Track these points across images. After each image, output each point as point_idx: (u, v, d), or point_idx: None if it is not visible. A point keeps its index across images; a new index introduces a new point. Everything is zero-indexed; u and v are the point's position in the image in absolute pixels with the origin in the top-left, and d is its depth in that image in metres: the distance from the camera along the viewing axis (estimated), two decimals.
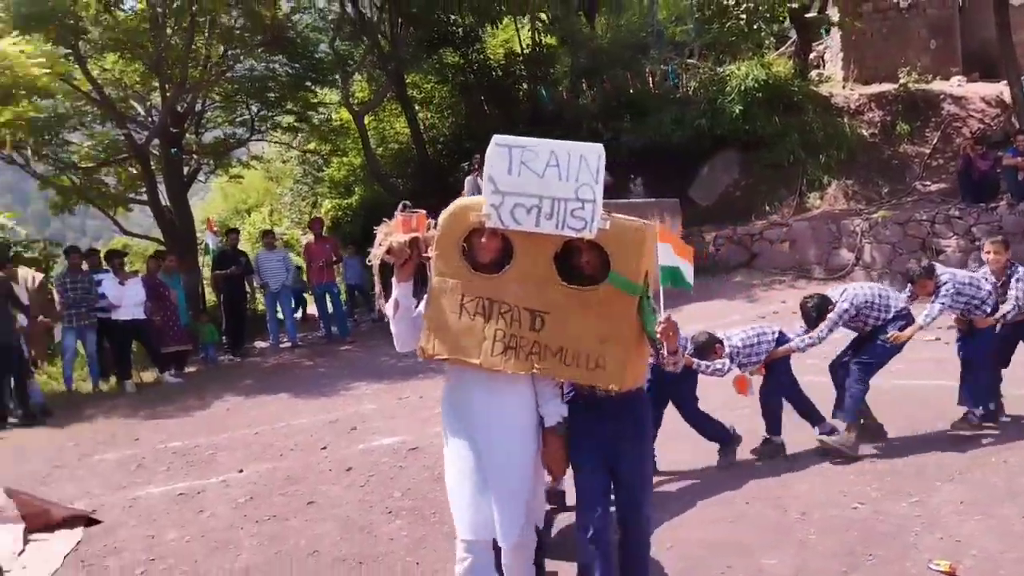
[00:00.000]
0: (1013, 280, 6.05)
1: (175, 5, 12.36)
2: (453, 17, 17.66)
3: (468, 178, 13.00)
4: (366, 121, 18.13)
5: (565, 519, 4.88)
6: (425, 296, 3.50)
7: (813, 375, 6.30)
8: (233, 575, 4.64)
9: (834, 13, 16.32)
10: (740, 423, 6.07)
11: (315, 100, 16.70)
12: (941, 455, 5.71)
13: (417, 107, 18.94)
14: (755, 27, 15.00)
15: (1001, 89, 14.23)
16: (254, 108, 15.82)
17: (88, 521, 5.50)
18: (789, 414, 6.06)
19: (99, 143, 15.38)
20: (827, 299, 6.02)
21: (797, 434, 6.01)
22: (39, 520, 5.32)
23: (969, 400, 6.12)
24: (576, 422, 3.54)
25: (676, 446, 5.94)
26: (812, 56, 17.56)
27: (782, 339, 5.98)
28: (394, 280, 3.46)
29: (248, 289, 12.95)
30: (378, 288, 3.65)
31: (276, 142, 18.60)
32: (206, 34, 13.51)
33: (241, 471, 6.49)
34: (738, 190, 15.52)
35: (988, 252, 6.22)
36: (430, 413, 7.35)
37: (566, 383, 3.57)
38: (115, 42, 12.97)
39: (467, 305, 3.38)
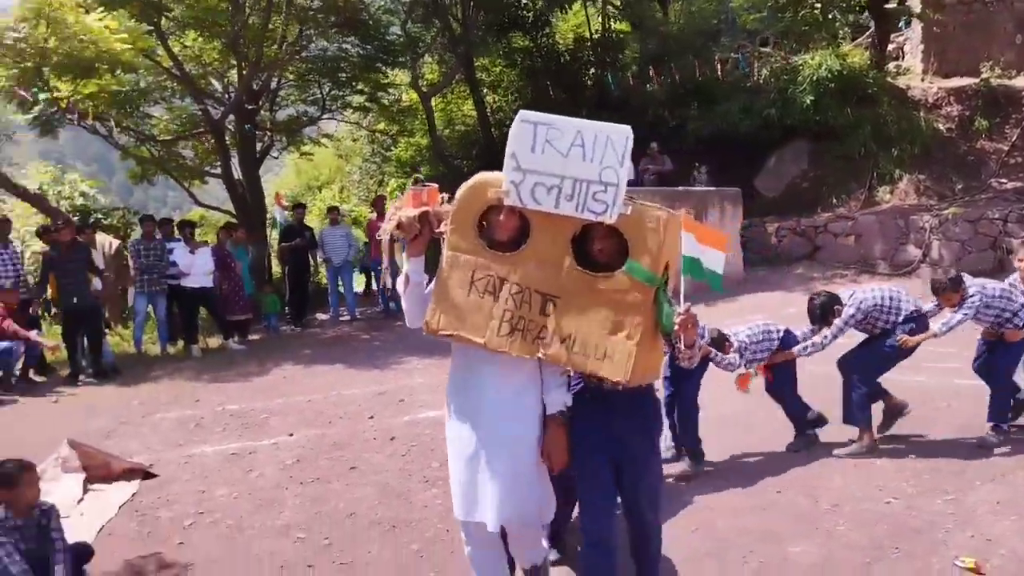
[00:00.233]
0: None
1: None
2: (524, 1, 17.66)
3: None
4: (434, 103, 18.35)
5: None
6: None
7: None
8: (274, 531, 4.87)
9: (915, 4, 15.81)
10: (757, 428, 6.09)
11: (385, 81, 16.93)
12: (986, 455, 5.61)
13: (485, 90, 19.07)
14: (830, 16, 14.64)
15: None
16: (326, 88, 16.13)
17: (145, 474, 5.83)
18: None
19: (177, 117, 15.93)
20: (835, 298, 5.89)
21: (838, 430, 5.97)
22: (100, 471, 5.67)
23: (996, 416, 5.90)
24: (581, 415, 3.40)
25: (723, 432, 6.07)
26: (891, 48, 17.05)
27: (787, 337, 5.90)
28: (405, 255, 3.39)
29: (312, 263, 13.29)
30: (385, 263, 3.57)
31: (346, 121, 18.92)
32: (283, 15, 13.83)
33: (291, 435, 6.76)
34: (806, 181, 15.25)
35: (1021, 260, 5.92)
36: None
37: (575, 373, 3.43)
38: (195, 20, 13.41)
39: (477, 282, 3.28)
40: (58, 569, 3.91)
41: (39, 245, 11.89)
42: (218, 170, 15.48)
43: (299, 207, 13.61)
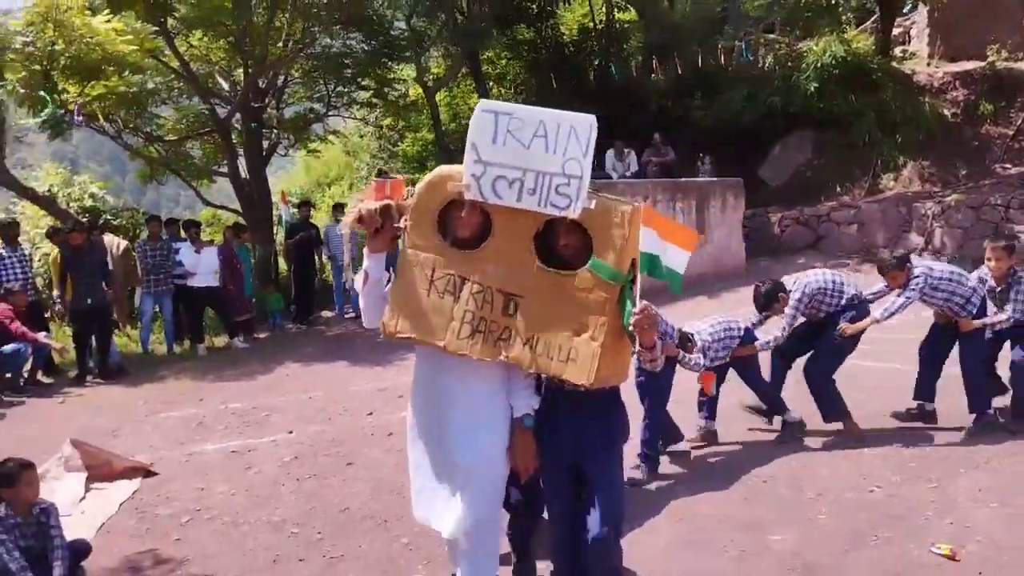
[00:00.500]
0: (1013, 290, 5.70)
1: None
2: None
3: None
4: (440, 97, 18.40)
5: None
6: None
7: None
8: (269, 526, 4.99)
9: None
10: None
11: (391, 76, 17.00)
12: (973, 444, 5.66)
13: (491, 83, 19.10)
14: (834, 2, 14.57)
15: None
16: (331, 84, 16.21)
17: (146, 473, 5.97)
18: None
19: (184, 117, 16.07)
20: (780, 285, 5.94)
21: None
22: (101, 470, 5.81)
23: (977, 406, 5.93)
24: (544, 418, 3.26)
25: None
26: (898, 32, 16.95)
27: (747, 334, 5.90)
28: (365, 250, 3.24)
29: (318, 261, 13.41)
30: (347, 258, 3.53)
31: (351, 118, 19.01)
32: (287, 12, 13.91)
33: (291, 432, 6.88)
34: (810, 170, 15.23)
35: (989, 258, 5.79)
36: None
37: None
38: (200, 20, 13.51)
39: (437, 282, 3.14)
40: (56, 566, 4.05)
41: (49, 247, 12.08)
42: (225, 169, 15.62)
43: (304, 205, 13.75)
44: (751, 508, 4.88)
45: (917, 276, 5.69)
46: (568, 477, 3.31)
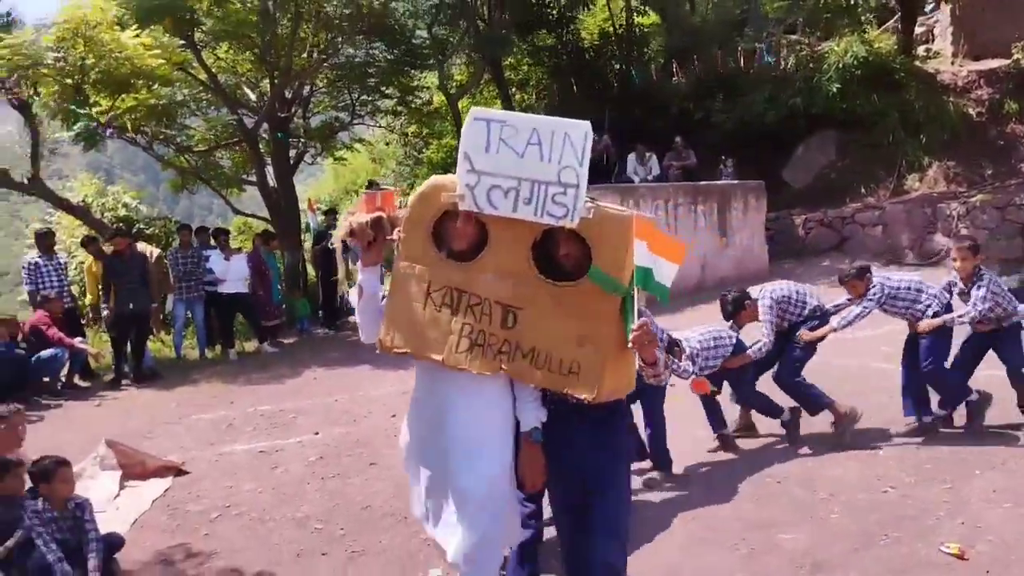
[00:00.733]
0: (974, 288, 5.73)
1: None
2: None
3: None
4: (464, 104, 18.60)
5: None
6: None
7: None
8: (294, 522, 5.16)
9: None
10: None
11: (414, 84, 17.25)
12: (990, 445, 5.68)
13: (513, 89, 19.28)
14: (853, 2, 14.55)
15: None
16: (355, 93, 16.48)
17: (178, 472, 6.18)
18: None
19: (213, 127, 16.42)
20: (745, 294, 6.06)
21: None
22: (135, 469, 6.02)
23: (945, 403, 5.99)
24: (547, 432, 3.14)
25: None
26: (921, 31, 16.85)
27: (739, 345, 5.93)
28: (359, 264, 3.18)
29: (344, 268, 13.63)
30: (341, 273, 3.55)
31: (375, 126, 19.28)
32: (311, 24, 14.19)
33: (317, 434, 7.07)
34: (834, 171, 15.21)
35: (955, 259, 5.86)
36: None
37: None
38: (227, 32, 13.83)
39: (433, 295, 3.06)
40: (91, 557, 4.24)
41: (83, 255, 12.43)
42: (254, 178, 15.93)
43: (330, 213, 13.99)
44: (764, 508, 4.96)
45: (874, 286, 5.83)
46: (576, 490, 3.17)
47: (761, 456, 5.87)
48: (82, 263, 12.57)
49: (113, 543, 4.53)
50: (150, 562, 4.66)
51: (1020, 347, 5.86)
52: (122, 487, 5.78)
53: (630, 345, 2.88)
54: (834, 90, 14.40)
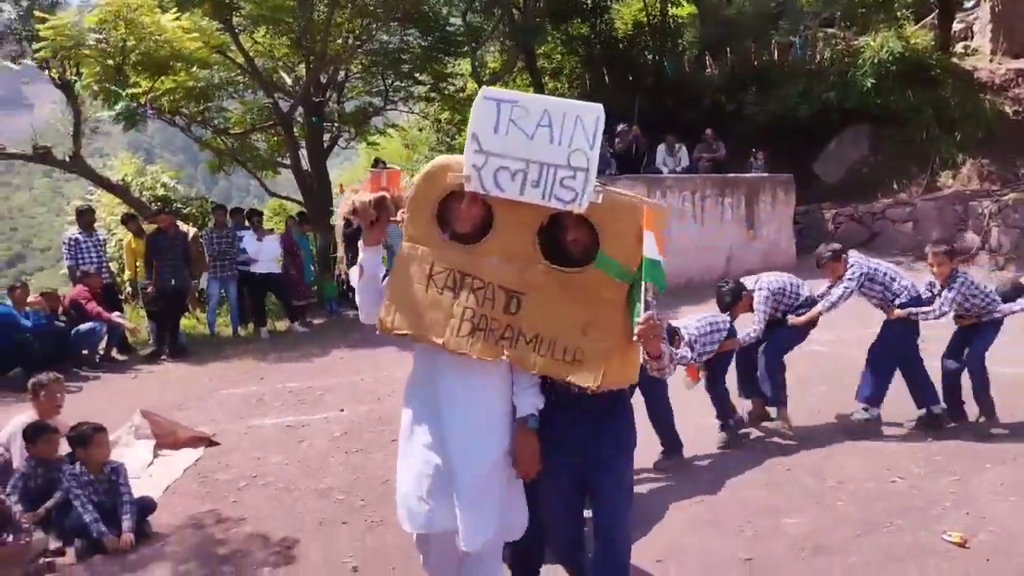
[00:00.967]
0: (946, 288, 5.84)
1: None
2: None
3: None
4: None
5: None
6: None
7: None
8: (317, 493, 5.39)
9: None
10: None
11: (447, 71, 17.39)
12: (1003, 440, 5.75)
13: (546, 77, 19.35)
14: None
15: None
16: (388, 79, 16.67)
17: (209, 443, 6.44)
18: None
19: (249, 110, 16.72)
20: (741, 286, 6.12)
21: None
22: (168, 439, 6.30)
23: (864, 391, 6.10)
24: (547, 422, 3.06)
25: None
26: (960, 28, 16.64)
27: (732, 331, 5.98)
28: (360, 243, 3.11)
29: None
30: (340, 252, 3.47)
31: (408, 112, 19.46)
32: (346, 10, 14.38)
33: (342, 410, 7.30)
34: (866, 167, 15.12)
35: (931, 264, 5.94)
36: None
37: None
38: (264, 17, 14.07)
39: (436, 277, 3.00)
40: (125, 518, 4.50)
41: (122, 232, 12.79)
42: (289, 161, 16.20)
43: None
44: (771, 494, 5.08)
45: (852, 265, 5.96)
46: (571, 481, 3.13)
47: (772, 445, 5.97)
48: (121, 240, 12.93)
49: (146, 506, 4.79)
50: (181, 526, 4.90)
51: (989, 338, 6.00)
52: (156, 455, 6.06)
53: (635, 338, 2.78)
54: (868, 85, 14.30)
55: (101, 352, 9.71)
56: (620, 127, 14.05)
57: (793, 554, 4.28)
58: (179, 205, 15.76)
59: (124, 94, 11.95)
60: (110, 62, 11.61)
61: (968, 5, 16.68)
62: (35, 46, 11.54)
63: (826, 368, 7.65)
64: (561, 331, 2.94)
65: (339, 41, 14.67)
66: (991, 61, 15.49)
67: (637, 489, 5.18)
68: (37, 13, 11.57)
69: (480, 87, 14.02)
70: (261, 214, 12.62)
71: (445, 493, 2.98)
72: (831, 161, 15.44)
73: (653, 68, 18.04)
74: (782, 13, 16.44)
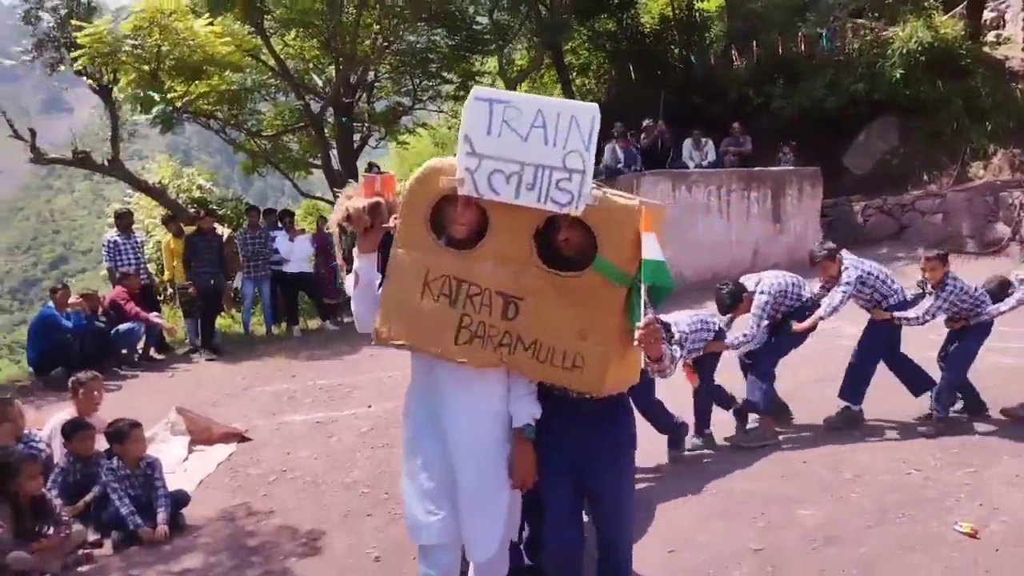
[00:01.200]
0: (936, 294, 5.80)
1: None
2: None
3: (608, 145, 13.40)
4: (524, 88, 18.86)
5: None
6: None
7: None
8: (343, 486, 5.58)
9: None
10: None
11: (475, 70, 17.56)
12: (1021, 434, 5.74)
13: (574, 74, 19.43)
14: None
15: None
16: (417, 79, 16.91)
17: (241, 438, 6.67)
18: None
19: (280, 112, 17.08)
20: (742, 287, 5.98)
21: (875, 407, 6.21)
22: (202, 435, 6.54)
23: (845, 392, 6.11)
24: (545, 428, 3.01)
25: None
26: (992, 17, 16.38)
27: (720, 333, 5.89)
28: (355, 251, 3.04)
29: None
30: (339, 259, 3.38)
31: (437, 111, 19.66)
32: (375, 12, 14.64)
33: (369, 407, 7.49)
34: (896, 158, 14.97)
35: (924, 270, 5.91)
36: None
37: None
38: (294, 20, 14.39)
39: (431, 284, 2.92)
40: (160, 511, 4.72)
41: (161, 234, 13.14)
42: (320, 161, 16.51)
43: None
44: (786, 485, 5.14)
45: (847, 268, 5.91)
46: (571, 488, 3.09)
47: (791, 438, 6.03)
48: (159, 241, 13.29)
49: (180, 499, 5.02)
50: (213, 518, 5.12)
51: (977, 341, 5.96)
52: (190, 451, 6.30)
53: (636, 343, 2.72)
54: (897, 76, 14.16)
55: (140, 351, 10.01)
56: (646, 122, 14.10)
57: (804, 544, 4.35)
58: (214, 206, 16.11)
59: (159, 98, 12.29)
60: (145, 68, 11.96)
61: None
62: (73, 54, 11.90)
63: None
64: (560, 336, 2.88)
65: (367, 42, 14.94)
66: (1023, 50, 15.23)
67: (650, 481, 5.33)
68: (74, 21, 11.91)
69: (506, 85, 14.15)
70: (293, 214, 12.87)
71: (449, 505, 2.97)
72: (860, 153, 15.31)
73: (680, 62, 18.02)
74: (809, 4, 16.30)
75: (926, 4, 15.59)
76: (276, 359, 9.96)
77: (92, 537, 4.74)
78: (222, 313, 11.91)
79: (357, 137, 17.08)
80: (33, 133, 12.35)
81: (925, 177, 14.16)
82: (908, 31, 14.34)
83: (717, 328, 5.86)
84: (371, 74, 16.68)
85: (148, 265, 11.51)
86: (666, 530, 4.59)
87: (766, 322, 5.94)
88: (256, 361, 9.93)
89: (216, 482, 5.79)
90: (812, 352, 6.43)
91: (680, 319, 5.67)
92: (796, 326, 5.95)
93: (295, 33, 15.40)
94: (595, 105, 2.85)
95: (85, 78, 12.80)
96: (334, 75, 15.37)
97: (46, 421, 5.80)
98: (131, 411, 6.74)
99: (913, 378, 6.16)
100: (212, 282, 10.38)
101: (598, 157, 13.57)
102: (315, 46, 15.82)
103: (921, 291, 6.04)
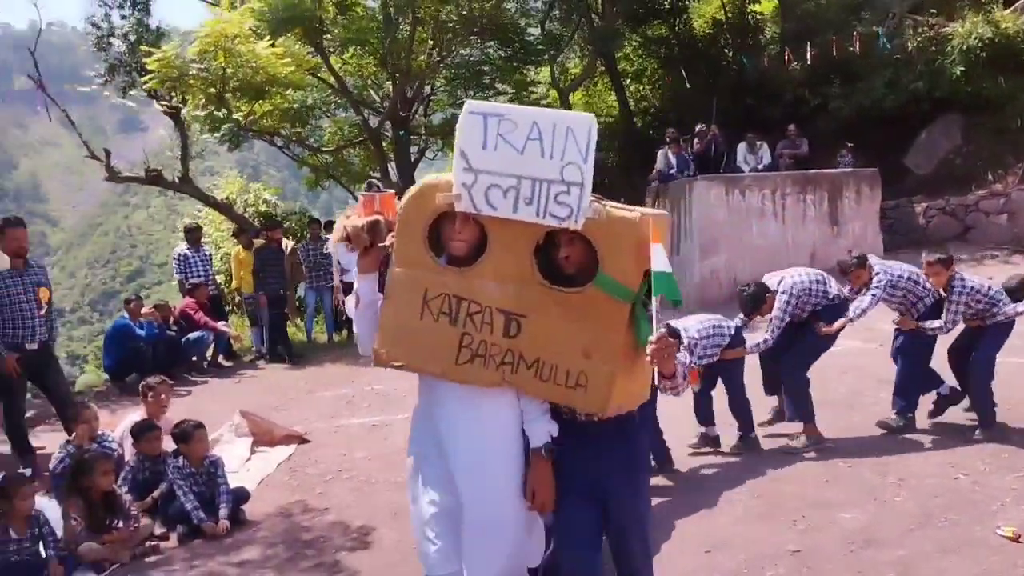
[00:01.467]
0: (947, 300, 5.75)
1: (397, 6, 13.95)
2: None
3: (660, 151, 13.45)
4: (578, 96, 19.00)
5: None
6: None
7: None
8: (395, 486, 5.79)
9: None
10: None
11: (528, 80, 17.78)
12: None
13: (628, 80, 19.50)
14: None
15: None
16: (471, 92, 17.18)
17: (301, 440, 6.98)
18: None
19: (340, 128, 17.58)
20: (764, 287, 5.92)
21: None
22: (264, 437, 6.88)
23: (897, 401, 6.06)
24: (557, 446, 2.93)
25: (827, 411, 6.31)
26: None
27: (737, 336, 5.85)
28: (355, 270, 3.00)
29: None
30: (336, 280, 3.21)
31: None
32: (429, 28, 14.99)
33: None
34: (959, 157, 14.61)
35: (928, 275, 5.85)
36: None
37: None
38: (350, 39, 14.81)
39: (430, 303, 2.86)
40: (222, 506, 5.03)
41: (229, 246, 13.70)
42: (379, 174, 16.91)
43: None
44: (830, 489, 5.16)
45: (878, 273, 5.90)
46: (584, 508, 2.96)
47: (838, 441, 6.00)
48: (227, 254, 13.85)
49: (240, 496, 5.32)
50: (272, 514, 5.42)
51: (995, 344, 5.88)
52: (253, 452, 6.63)
53: (648, 359, 2.65)
54: (958, 73, 13.84)
55: (209, 359, 10.48)
56: (698, 127, 14.09)
57: (842, 546, 4.38)
58: (279, 219, 16.67)
59: (225, 118, 12.83)
60: (211, 90, 12.51)
61: None
62: (143, 78, 12.53)
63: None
64: (563, 355, 2.79)
65: (422, 57, 15.27)
66: None
67: (693, 483, 5.42)
68: (143, 47, 12.54)
69: (558, 94, 14.31)
70: None
71: (450, 532, 2.91)
72: (921, 153, 14.99)
73: (733, 66, 17.93)
74: (864, 3, 16.05)
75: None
76: (336, 365, 10.30)
77: (159, 530, 5.09)
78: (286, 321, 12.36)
79: (415, 150, 17.45)
80: (108, 153, 13.03)
81: (989, 176, 13.79)
82: (968, 27, 14.00)
83: (732, 332, 5.82)
84: (427, 88, 17.01)
85: (217, 276, 12.00)
86: (705, 531, 4.68)
87: (788, 320, 5.91)
88: (318, 367, 10.30)
89: (276, 481, 6.10)
90: (873, 356, 6.37)
91: (690, 324, 5.66)
92: (824, 329, 5.90)
93: (352, 51, 15.80)
94: (591, 116, 2.80)
95: (155, 101, 13.46)
96: (391, 90, 15.75)
97: (119, 423, 6.19)
98: (199, 414, 7.11)
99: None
100: (281, 292, 10.78)
101: (650, 162, 13.66)
102: (372, 63, 16.19)
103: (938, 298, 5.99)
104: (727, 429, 6.06)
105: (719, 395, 6.01)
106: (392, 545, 4.82)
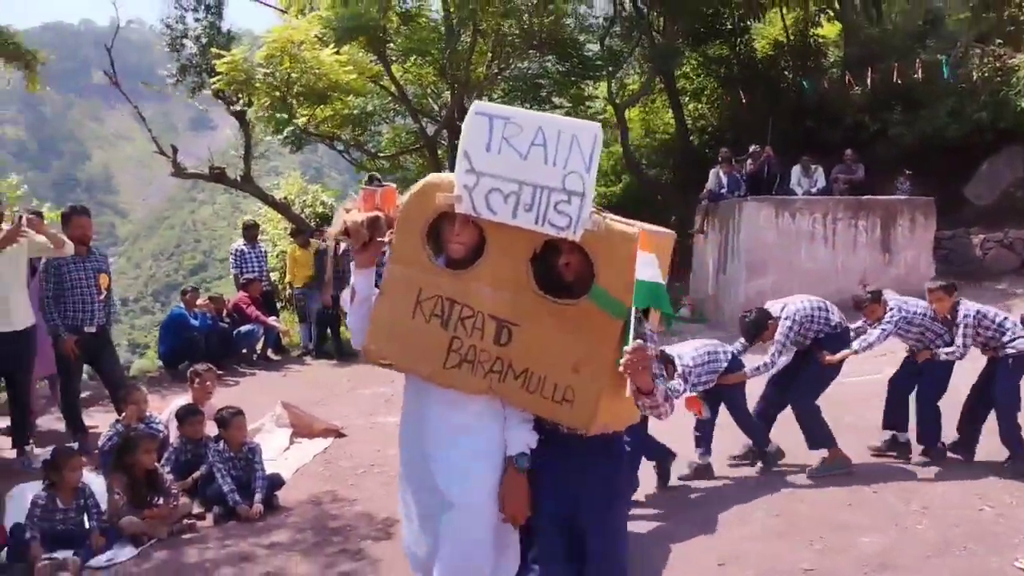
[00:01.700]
0: (955, 325, 5.71)
1: (459, 18, 14.29)
2: (723, 10, 17.99)
3: (712, 170, 13.46)
4: (635, 112, 19.07)
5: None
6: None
7: None
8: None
9: None
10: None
11: (585, 95, 17.95)
12: None
13: (687, 98, 19.52)
14: None
15: None
16: (528, 104, 17.45)
17: (338, 434, 7.21)
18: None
19: (398, 134, 18.00)
20: (766, 313, 5.85)
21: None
22: (304, 429, 7.13)
23: (926, 439, 6.03)
24: (534, 461, 2.85)
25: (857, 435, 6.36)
26: None
27: (734, 361, 5.81)
28: (352, 265, 2.97)
29: None
30: (328, 274, 3.22)
31: None
32: (489, 41, 15.29)
33: None
34: (1021, 190, 14.31)
35: (931, 302, 5.80)
36: None
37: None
38: (412, 49, 15.21)
39: (423, 303, 2.84)
40: (257, 492, 5.28)
41: (285, 244, 14.12)
42: None
43: None
44: (851, 512, 5.17)
45: (892, 309, 5.86)
46: (561, 528, 2.91)
47: (865, 467, 6.00)
48: (283, 252, 14.27)
49: (275, 482, 5.56)
50: (304, 501, 5.64)
51: (1011, 377, 5.78)
52: (291, 442, 6.88)
53: (621, 368, 2.53)
54: (1023, 105, 13.59)
55: (258, 352, 10.83)
56: (752, 148, 14.05)
57: (857, 569, 4.41)
58: None
59: (288, 121, 13.28)
60: (276, 93, 12.96)
61: None
62: (212, 79, 13.04)
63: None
64: (552, 367, 2.73)
65: (481, 69, 15.59)
66: None
67: (713, 497, 5.48)
68: (214, 50, 13.05)
69: (614, 109, 14.42)
70: None
71: (432, 539, 2.90)
72: (983, 183, 14.72)
73: (792, 88, 17.83)
74: (929, 31, 15.84)
75: None
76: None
77: (196, 510, 5.34)
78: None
79: None
80: (175, 149, 13.57)
81: None
82: None
83: (730, 357, 5.79)
84: (484, 99, 17.31)
85: (271, 273, 12.38)
86: (721, 545, 4.74)
87: (793, 349, 5.92)
88: (360, 366, 10.49)
89: (311, 471, 6.32)
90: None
91: (685, 351, 5.61)
92: (827, 358, 5.84)
93: (413, 60, 16.20)
94: (597, 124, 2.75)
95: (222, 102, 13.98)
96: (449, 99, 16.10)
97: (167, 407, 6.51)
98: (245, 404, 7.36)
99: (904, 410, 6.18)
100: (334, 292, 11.08)
101: (705, 181, 13.64)
102: (432, 72, 16.57)
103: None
104: (734, 444, 6.16)
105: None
106: None
